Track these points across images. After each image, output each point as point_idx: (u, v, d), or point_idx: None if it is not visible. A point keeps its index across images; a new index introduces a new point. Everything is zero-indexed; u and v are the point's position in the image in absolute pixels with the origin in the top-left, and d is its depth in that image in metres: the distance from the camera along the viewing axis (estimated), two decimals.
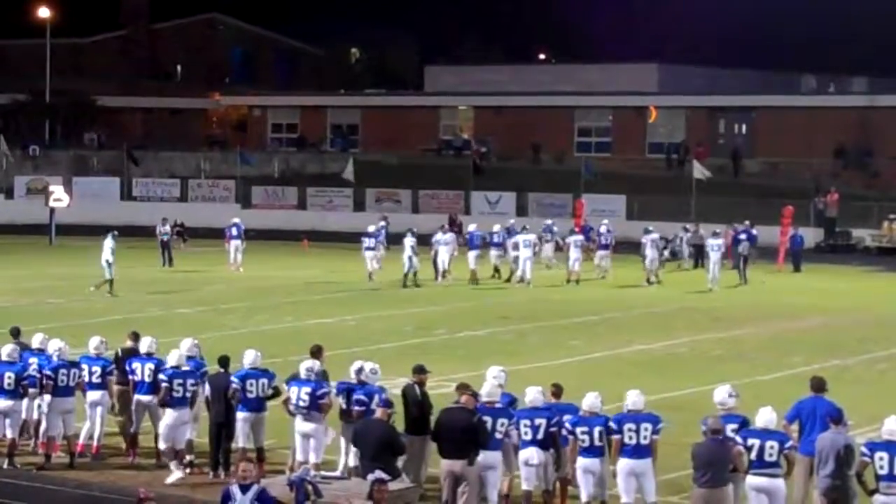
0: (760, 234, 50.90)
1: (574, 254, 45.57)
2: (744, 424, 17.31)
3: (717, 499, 16.50)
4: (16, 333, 22.57)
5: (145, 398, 20.92)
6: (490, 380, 18.53)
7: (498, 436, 17.86)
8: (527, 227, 47.63)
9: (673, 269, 49.68)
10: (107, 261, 41.16)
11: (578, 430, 17.69)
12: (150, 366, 20.90)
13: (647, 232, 46.60)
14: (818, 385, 18.28)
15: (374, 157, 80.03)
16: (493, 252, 46.55)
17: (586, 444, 17.66)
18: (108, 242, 41.70)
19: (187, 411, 20.39)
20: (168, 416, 20.34)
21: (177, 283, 45.06)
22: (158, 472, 20.36)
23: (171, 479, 19.96)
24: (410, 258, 44.23)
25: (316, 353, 20.54)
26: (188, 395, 20.34)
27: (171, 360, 20.66)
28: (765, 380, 28.22)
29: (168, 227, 50.65)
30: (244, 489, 14.39)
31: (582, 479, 17.79)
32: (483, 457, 17.65)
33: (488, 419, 17.76)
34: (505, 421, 17.92)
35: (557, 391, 18.77)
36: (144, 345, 21.41)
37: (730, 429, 17.17)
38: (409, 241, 44.15)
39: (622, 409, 17.81)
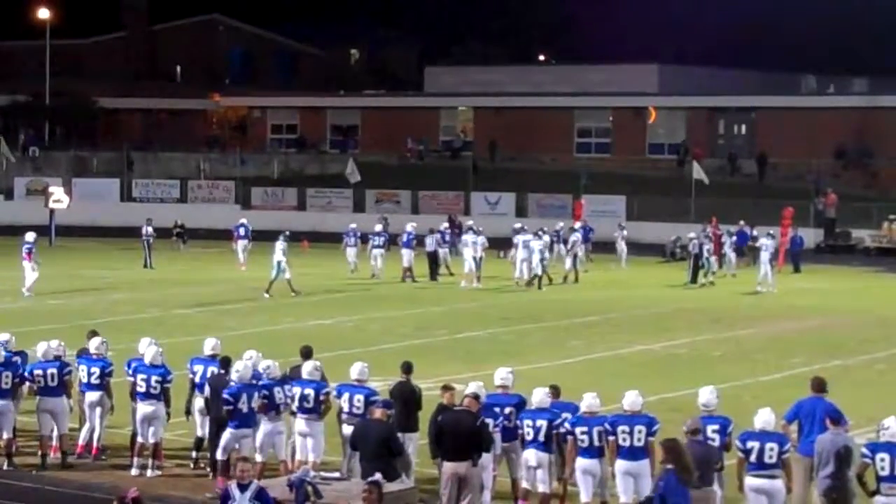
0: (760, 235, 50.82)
1: (522, 254, 45.23)
2: (725, 427, 17.31)
3: (703, 499, 16.47)
4: None
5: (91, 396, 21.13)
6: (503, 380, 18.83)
7: None
8: (524, 227, 47.75)
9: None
10: (278, 262, 41.75)
11: (578, 430, 17.72)
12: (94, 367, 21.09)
13: (708, 239, 47.26)
14: (818, 385, 18.26)
15: (374, 157, 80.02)
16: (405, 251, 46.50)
17: (585, 444, 17.69)
18: (280, 244, 42.44)
19: (156, 407, 20.39)
20: (138, 410, 20.49)
21: (176, 283, 45.05)
22: (154, 474, 20.40)
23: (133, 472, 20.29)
24: (542, 260, 44.69)
25: (307, 353, 20.67)
26: (153, 390, 20.35)
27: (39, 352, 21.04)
28: (765, 380, 28.23)
29: (152, 229, 50.22)
30: (242, 488, 14.41)
31: (581, 479, 17.81)
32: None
33: None
34: (489, 422, 17.95)
35: (555, 392, 18.77)
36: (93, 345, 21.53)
37: (710, 430, 17.19)
38: (537, 244, 44.66)
39: (619, 410, 17.82)
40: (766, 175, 74.19)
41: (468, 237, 45.78)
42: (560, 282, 45.68)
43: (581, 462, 17.73)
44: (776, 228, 51.01)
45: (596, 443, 17.64)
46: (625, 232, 52.31)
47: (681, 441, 15.85)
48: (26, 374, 20.97)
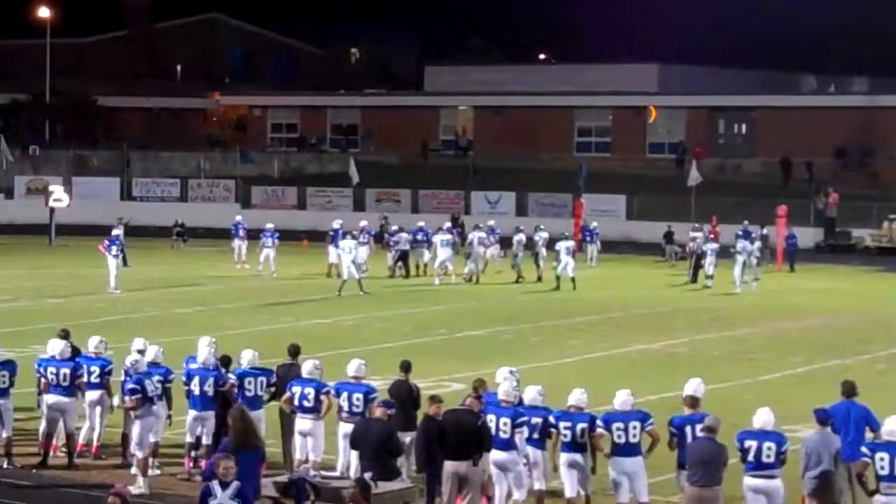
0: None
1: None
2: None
3: (710, 498, 16.48)
4: None
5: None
6: (506, 380, 18.60)
7: (503, 435, 17.82)
8: (479, 225, 47.91)
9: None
10: (353, 261, 42.23)
11: (562, 424, 17.72)
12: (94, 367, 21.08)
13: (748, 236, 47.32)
14: (849, 389, 18.28)
15: (374, 157, 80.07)
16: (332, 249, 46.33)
17: (568, 438, 17.67)
18: (365, 250, 44.35)
19: (157, 406, 20.28)
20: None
21: (176, 282, 45.04)
22: (153, 473, 20.42)
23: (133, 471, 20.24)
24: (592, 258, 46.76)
25: (295, 352, 20.71)
26: (151, 393, 20.21)
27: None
28: (764, 380, 28.24)
29: (123, 228, 49.92)
30: (224, 486, 14.44)
31: (566, 474, 17.79)
32: (508, 456, 17.66)
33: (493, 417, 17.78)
34: (508, 420, 17.88)
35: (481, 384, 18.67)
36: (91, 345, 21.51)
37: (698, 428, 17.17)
38: (591, 248, 46.60)
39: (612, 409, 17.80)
40: (791, 177, 73.33)
41: (438, 237, 46.08)
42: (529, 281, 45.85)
43: (564, 456, 17.71)
44: (772, 228, 51.08)
45: (579, 438, 17.64)
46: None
47: (244, 409, 16.67)
48: (39, 371, 20.99)
